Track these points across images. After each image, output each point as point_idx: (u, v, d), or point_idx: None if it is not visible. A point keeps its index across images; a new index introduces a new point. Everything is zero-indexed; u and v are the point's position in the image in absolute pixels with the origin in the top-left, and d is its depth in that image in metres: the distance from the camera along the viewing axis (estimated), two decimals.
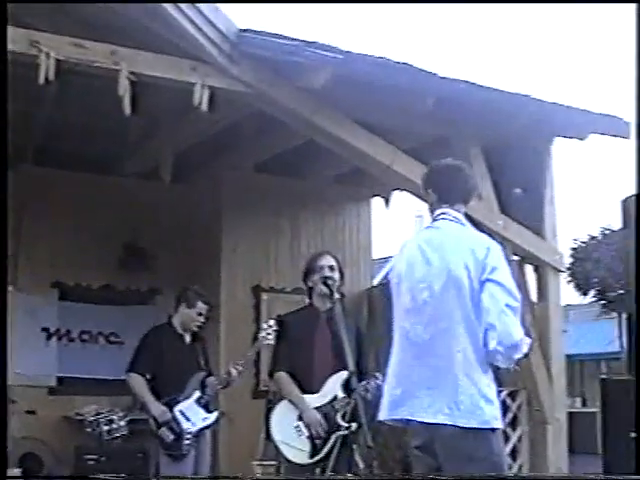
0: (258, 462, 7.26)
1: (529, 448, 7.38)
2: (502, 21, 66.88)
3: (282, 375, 5.35)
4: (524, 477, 6.95)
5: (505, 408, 7.35)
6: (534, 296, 7.40)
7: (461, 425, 3.63)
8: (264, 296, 9.15)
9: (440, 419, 3.66)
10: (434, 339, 3.76)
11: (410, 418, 3.77)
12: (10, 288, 8.61)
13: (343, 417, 5.10)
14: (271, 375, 5.50)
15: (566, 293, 18.44)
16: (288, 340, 5.46)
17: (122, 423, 8.15)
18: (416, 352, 3.81)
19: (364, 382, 5.11)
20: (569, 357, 9.36)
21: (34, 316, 8.96)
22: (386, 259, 15.61)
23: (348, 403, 5.07)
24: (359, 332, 5.56)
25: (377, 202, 10.11)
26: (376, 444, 5.39)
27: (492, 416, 3.69)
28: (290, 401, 5.27)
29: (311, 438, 5.12)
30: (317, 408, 5.16)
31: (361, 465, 5.15)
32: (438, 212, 4.00)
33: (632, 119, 6.58)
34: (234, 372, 6.19)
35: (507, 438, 7.34)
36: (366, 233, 10.10)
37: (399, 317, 3.96)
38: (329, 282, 5.28)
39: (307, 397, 5.23)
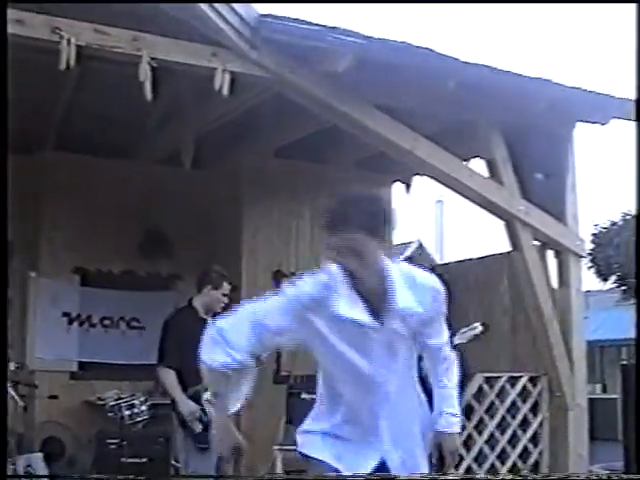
0: (279, 447, 7.27)
1: (549, 434, 7.37)
2: (523, 6, 66.35)
3: None
4: (525, 477, 6.97)
5: (526, 394, 7.35)
6: (555, 282, 7.38)
7: None
8: (285, 281, 9.14)
9: None
10: None
11: None
12: (33, 274, 8.73)
13: None
14: None
15: (587, 279, 18.40)
16: None
17: (143, 408, 8.17)
18: None
19: None
20: (590, 343, 9.31)
21: (56, 301, 8.99)
22: (407, 244, 15.58)
23: None
24: None
25: (398, 187, 10.08)
26: None
27: None
28: None
29: None
30: None
31: None
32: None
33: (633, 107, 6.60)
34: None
35: (528, 424, 7.34)
36: None
37: None
38: None
39: None
